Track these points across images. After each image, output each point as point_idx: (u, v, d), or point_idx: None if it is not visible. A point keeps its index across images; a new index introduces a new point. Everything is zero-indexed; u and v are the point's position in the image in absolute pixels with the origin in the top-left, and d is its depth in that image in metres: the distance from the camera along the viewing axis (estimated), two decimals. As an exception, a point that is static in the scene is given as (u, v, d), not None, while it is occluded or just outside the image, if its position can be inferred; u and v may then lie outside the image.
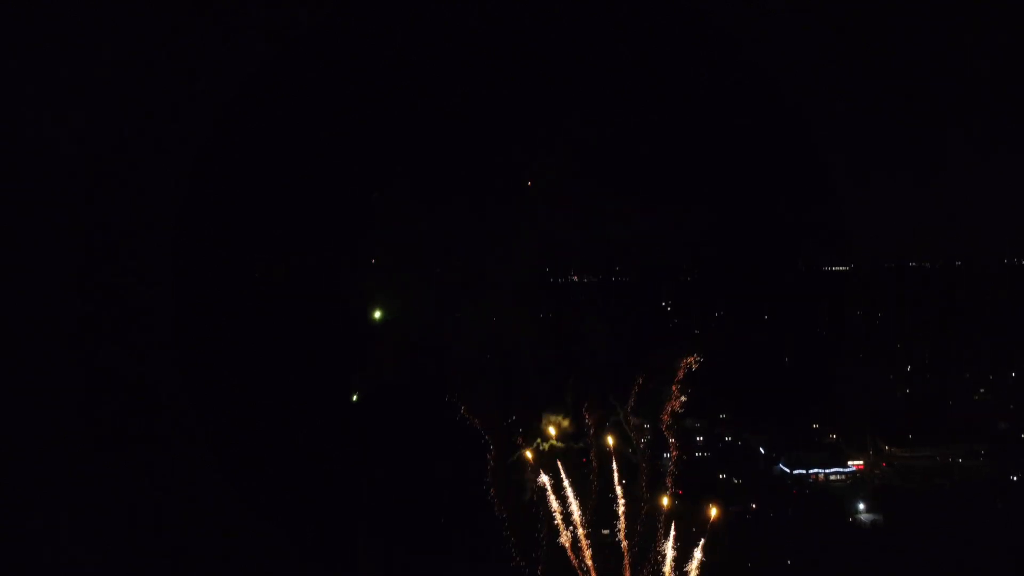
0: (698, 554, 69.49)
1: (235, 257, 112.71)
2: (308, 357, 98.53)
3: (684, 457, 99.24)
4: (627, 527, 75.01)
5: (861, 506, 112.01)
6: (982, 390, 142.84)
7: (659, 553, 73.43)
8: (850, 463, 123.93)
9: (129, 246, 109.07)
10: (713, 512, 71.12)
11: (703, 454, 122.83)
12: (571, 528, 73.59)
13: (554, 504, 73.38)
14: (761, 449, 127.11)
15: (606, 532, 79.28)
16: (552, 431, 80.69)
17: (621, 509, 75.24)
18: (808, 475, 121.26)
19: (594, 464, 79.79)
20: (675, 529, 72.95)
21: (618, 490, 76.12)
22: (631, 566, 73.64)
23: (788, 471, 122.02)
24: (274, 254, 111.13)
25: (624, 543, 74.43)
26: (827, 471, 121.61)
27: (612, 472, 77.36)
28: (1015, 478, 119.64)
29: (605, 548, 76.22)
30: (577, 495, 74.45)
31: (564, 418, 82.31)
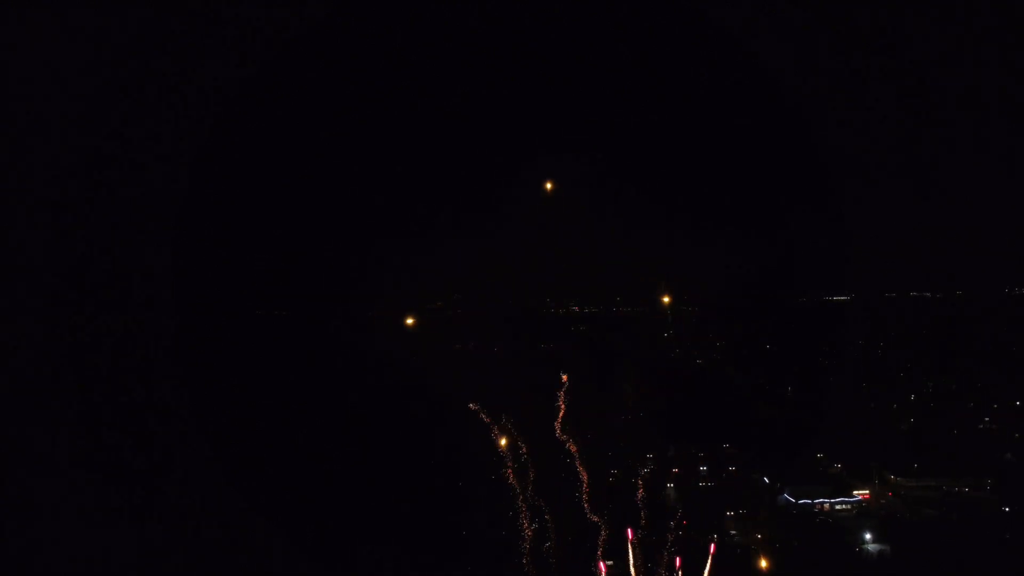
0: None
1: (235, 257, 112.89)
2: (308, 357, 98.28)
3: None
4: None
5: (867, 536, 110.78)
6: (987, 419, 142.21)
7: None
8: (855, 493, 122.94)
9: (128, 246, 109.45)
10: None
11: (707, 484, 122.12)
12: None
13: None
14: (766, 479, 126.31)
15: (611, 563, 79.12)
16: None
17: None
18: (813, 505, 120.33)
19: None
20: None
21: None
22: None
23: (793, 501, 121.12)
24: (274, 255, 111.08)
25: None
26: (832, 501, 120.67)
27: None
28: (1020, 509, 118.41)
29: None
30: None
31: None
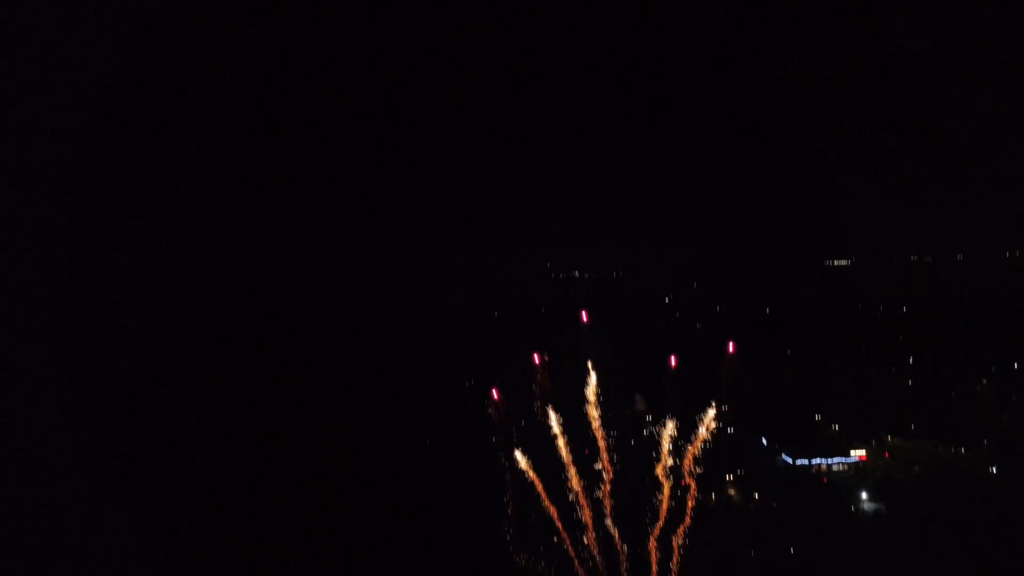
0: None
1: (233, 257, 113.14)
2: (309, 356, 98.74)
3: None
4: None
5: (864, 496, 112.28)
6: (984, 381, 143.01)
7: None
8: (853, 454, 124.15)
9: (127, 245, 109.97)
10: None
11: (706, 445, 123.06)
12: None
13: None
14: (764, 440, 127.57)
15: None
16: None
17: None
18: (811, 466, 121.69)
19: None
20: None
21: None
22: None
23: (790, 462, 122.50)
24: (273, 253, 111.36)
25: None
26: (829, 461, 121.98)
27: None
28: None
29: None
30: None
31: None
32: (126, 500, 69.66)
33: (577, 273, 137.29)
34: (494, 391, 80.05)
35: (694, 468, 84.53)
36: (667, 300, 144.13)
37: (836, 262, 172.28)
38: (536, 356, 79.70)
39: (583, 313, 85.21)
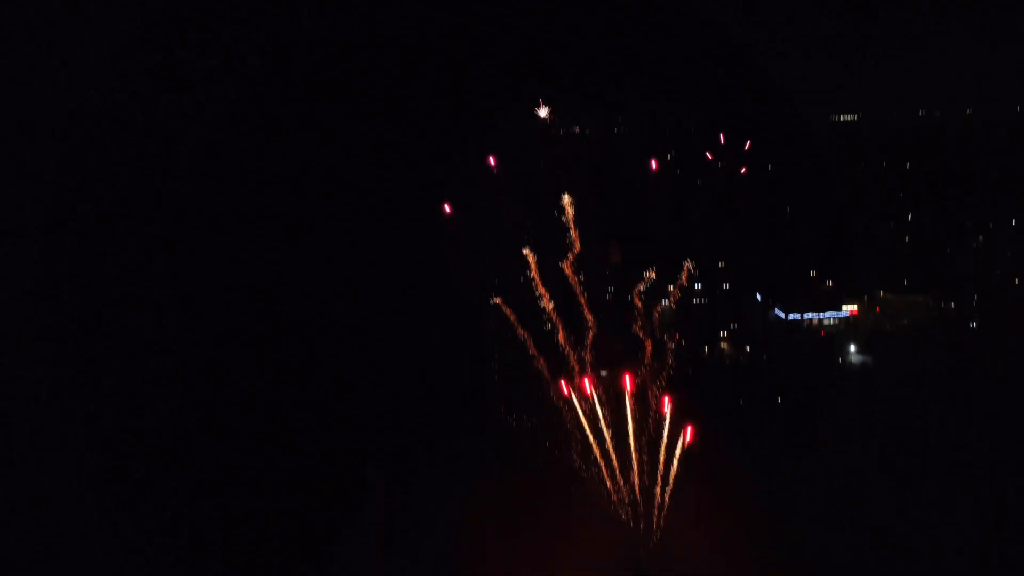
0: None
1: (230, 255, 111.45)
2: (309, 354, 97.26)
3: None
4: None
5: (852, 348, 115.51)
6: (981, 238, 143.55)
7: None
8: (845, 308, 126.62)
9: (126, 245, 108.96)
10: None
11: (701, 300, 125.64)
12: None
13: None
14: (758, 295, 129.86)
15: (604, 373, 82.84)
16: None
17: None
18: (803, 320, 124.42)
19: None
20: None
21: None
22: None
23: (783, 316, 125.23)
24: (270, 252, 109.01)
25: None
26: (821, 316, 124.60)
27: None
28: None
29: None
30: None
31: None
32: (123, 500, 69.76)
33: (577, 129, 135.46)
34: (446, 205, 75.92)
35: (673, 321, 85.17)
36: (668, 157, 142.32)
37: (842, 117, 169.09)
38: (492, 159, 75.12)
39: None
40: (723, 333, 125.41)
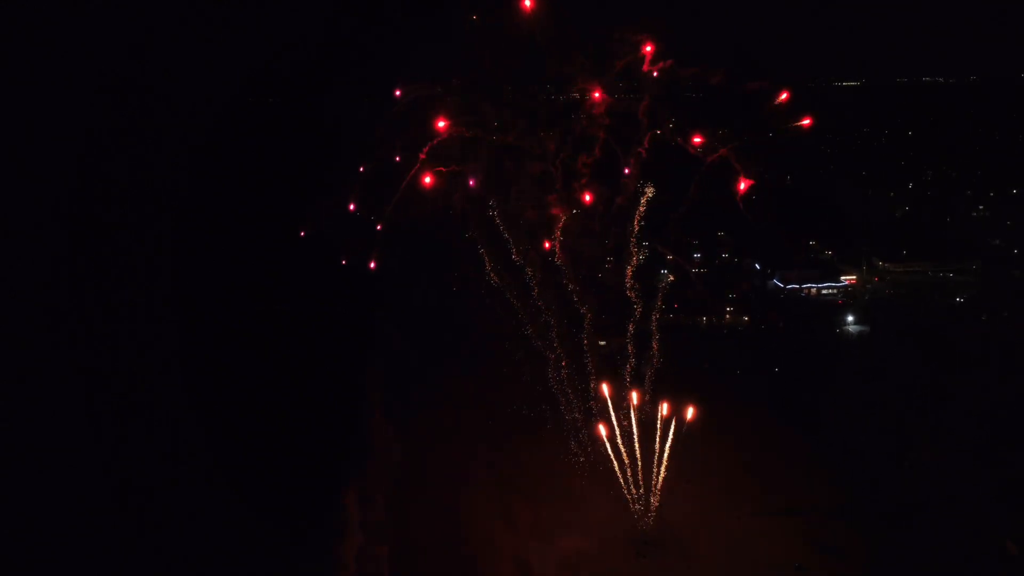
0: None
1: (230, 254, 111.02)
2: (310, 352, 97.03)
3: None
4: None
5: (850, 318, 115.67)
6: (981, 207, 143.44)
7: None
8: (843, 278, 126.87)
9: (125, 245, 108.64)
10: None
11: (700, 270, 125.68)
12: None
13: None
14: (757, 265, 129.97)
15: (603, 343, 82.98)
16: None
17: None
18: (801, 290, 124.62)
19: None
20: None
21: None
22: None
23: (781, 286, 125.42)
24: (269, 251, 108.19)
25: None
26: (820, 286, 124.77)
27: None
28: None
29: None
30: None
31: None
32: (124, 500, 69.93)
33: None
34: None
35: None
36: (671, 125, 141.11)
37: (844, 83, 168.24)
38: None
39: None
40: (723, 304, 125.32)
